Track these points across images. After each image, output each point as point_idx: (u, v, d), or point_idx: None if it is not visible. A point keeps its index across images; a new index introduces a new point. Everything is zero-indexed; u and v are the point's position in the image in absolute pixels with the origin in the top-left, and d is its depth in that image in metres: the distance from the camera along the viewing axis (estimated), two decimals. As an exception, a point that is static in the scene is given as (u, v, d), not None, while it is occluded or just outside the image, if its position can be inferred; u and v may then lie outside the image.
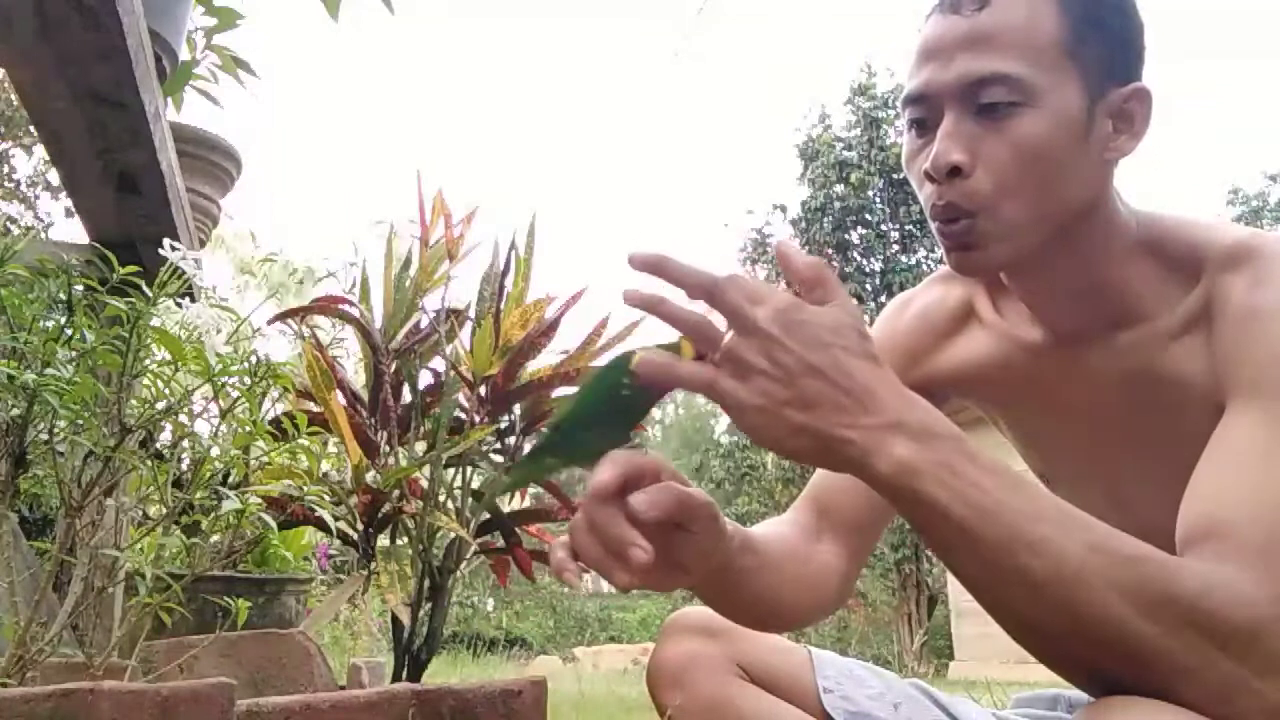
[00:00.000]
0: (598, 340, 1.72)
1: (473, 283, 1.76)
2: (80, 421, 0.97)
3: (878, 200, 12.75)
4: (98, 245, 1.49)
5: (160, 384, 1.02)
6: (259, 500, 1.18)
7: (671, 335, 0.67)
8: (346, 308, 1.70)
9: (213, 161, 2.21)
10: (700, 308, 0.66)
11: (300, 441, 1.12)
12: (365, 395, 1.71)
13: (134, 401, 1.02)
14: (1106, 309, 0.86)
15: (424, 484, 1.63)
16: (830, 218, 12.68)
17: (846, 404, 0.63)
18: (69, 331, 0.96)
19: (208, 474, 1.06)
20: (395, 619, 1.57)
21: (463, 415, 1.69)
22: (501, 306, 1.71)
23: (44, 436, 0.96)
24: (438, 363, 1.74)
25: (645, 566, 0.65)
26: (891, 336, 1.03)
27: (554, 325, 1.69)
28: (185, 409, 1.06)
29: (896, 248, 12.78)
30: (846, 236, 12.77)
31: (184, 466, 1.20)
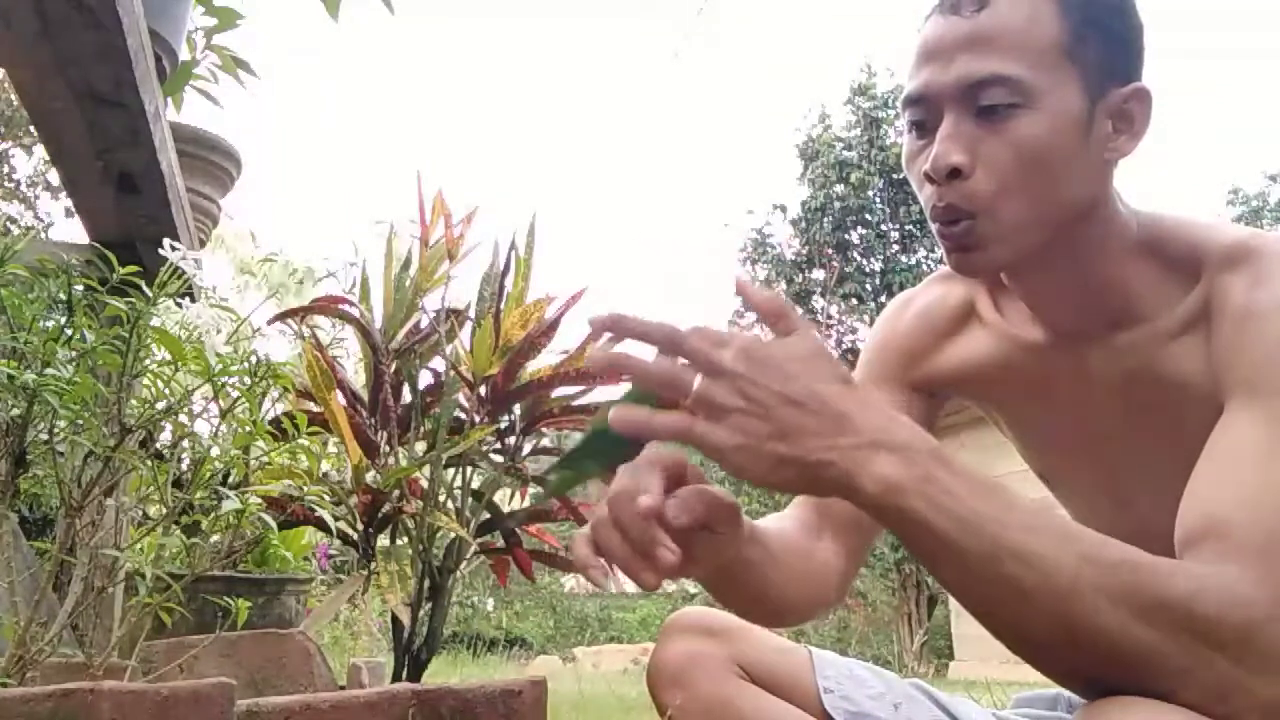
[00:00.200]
0: (597, 340, 1.71)
1: (473, 283, 1.76)
2: (80, 421, 0.97)
3: (878, 200, 12.74)
4: (98, 245, 1.49)
5: (160, 384, 1.02)
6: (259, 500, 1.18)
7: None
8: (346, 308, 1.70)
9: (213, 161, 2.21)
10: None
11: (300, 441, 1.12)
12: (365, 395, 1.71)
13: (134, 401, 1.02)
14: (1106, 309, 0.86)
15: (424, 484, 1.63)
16: (830, 218, 12.67)
17: (824, 428, 0.63)
18: (69, 331, 0.96)
19: (208, 474, 1.06)
20: (395, 619, 1.57)
21: (463, 415, 1.69)
22: (501, 306, 1.71)
23: (44, 436, 0.96)
24: (438, 363, 1.74)
25: (672, 568, 0.66)
26: (892, 336, 1.03)
27: (554, 325, 1.69)
28: (185, 409, 1.06)
29: (896, 248, 12.77)
30: (846, 236, 12.76)
31: (184, 466, 1.20)
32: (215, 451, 1.08)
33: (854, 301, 12.37)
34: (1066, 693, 1.03)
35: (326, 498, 1.41)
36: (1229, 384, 0.76)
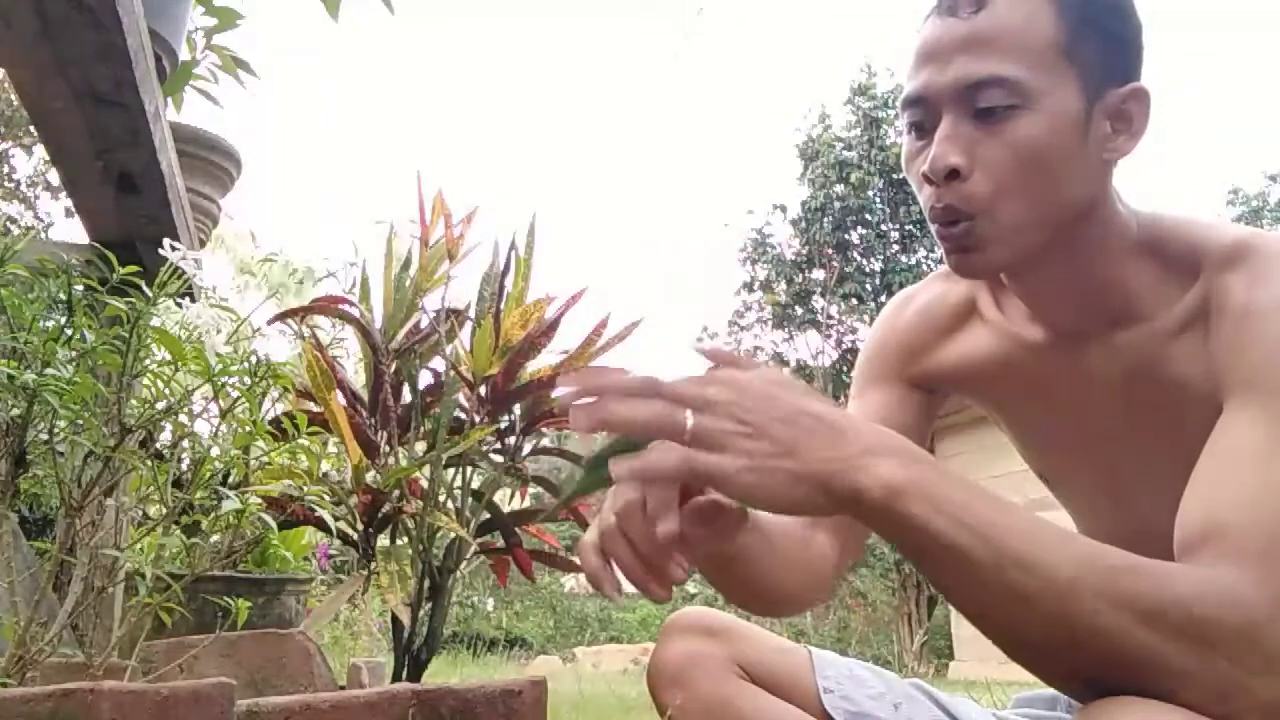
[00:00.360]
0: (598, 340, 1.72)
1: (473, 283, 1.76)
2: (80, 421, 0.97)
3: (878, 200, 12.74)
4: (98, 245, 1.49)
5: (160, 384, 1.02)
6: (259, 500, 1.18)
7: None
8: (346, 308, 1.70)
9: (213, 161, 2.21)
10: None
11: (300, 441, 1.12)
12: (365, 395, 1.71)
13: (134, 401, 1.02)
14: (1106, 309, 0.86)
15: (424, 484, 1.63)
16: (830, 218, 12.67)
17: (824, 438, 0.64)
18: (69, 331, 0.96)
19: (208, 474, 1.06)
20: (395, 619, 1.57)
21: (463, 415, 1.69)
22: (501, 306, 1.71)
23: (44, 436, 0.96)
24: (438, 363, 1.74)
25: (681, 581, 0.67)
26: (891, 332, 1.03)
27: (554, 325, 1.69)
28: (185, 409, 1.06)
29: (896, 248, 12.77)
30: (846, 236, 12.76)
31: (184, 466, 1.19)
32: (215, 451, 1.08)
33: (854, 301, 12.37)
34: (1066, 693, 1.03)
35: (326, 498, 1.41)
36: (1228, 383, 0.76)
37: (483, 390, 1.68)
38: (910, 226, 12.40)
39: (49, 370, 0.91)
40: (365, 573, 1.57)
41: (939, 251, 0.86)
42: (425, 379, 1.74)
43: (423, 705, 0.86)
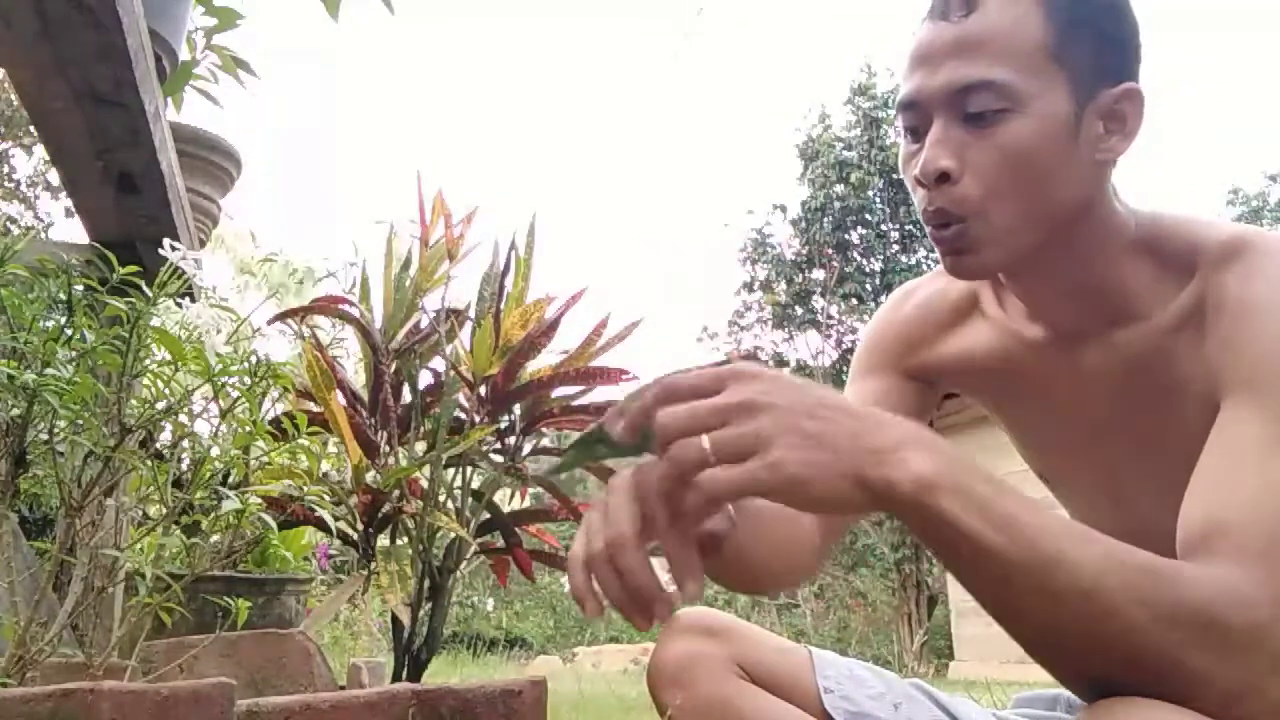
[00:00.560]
0: (598, 340, 1.72)
1: (473, 283, 1.76)
2: (80, 421, 0.97)
3: (878, 200, 12.75)
4: (98, 245, 1.49)
5: (160, 384, 1.02)
6: (259, 500, 1.18)
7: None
8: (346, 308, 1.70)
9: (213, 161, 2.21)
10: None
11: (300, 441, 1.12)
12: (365, 395, 1.71)
13: (134, 401, 1.02)
14: (1104, 308, 0.86)
15: (424, 484, 1.63)
16: (830, 218, 12.68)
17: (852, 432, 0.62)
18: (69, 331, 0.96)
19: (208, 474, 1.06)
20: (395, 619, 1.57)
21: (463, 415, 1.69)
22: (501, 306, 1.71)
23: (44, 436, 0.96)
24: (438, 363, 1.74)
25: (665, 616, 0.65)
26: (890, 325, 1.03)
27: (554, 325, 1.69)
28: (185, 409, 1.06)
29: (896, 248, 12.78)
30: (846, 236, 12.77)
31: (184, 466, 1.20)
32: (215, 451, 1.08)
33: (854, 301, 12.37)
34: (1066, 693, 1.03)
35: (326, 498, 1.41)
36: (1226, 381, 0.76)
37: (483, 390, 1.69)
38: (910, 226, 12.41)
39: (49, 370, 0.91)
40: (365, 573, 1.57)
41: (939, 252, 0.86)
42: (425, 379, 1.74)
43: (423, 705, 0.86)
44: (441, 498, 1.63)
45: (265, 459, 1.21)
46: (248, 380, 1.04)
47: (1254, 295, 0.76)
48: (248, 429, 1.07)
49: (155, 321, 1.04)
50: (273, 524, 1.14)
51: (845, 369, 11.93)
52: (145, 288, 0.98)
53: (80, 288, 0.96)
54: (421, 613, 1.61)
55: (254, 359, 1.05)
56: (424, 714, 0.86)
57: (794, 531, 0.94)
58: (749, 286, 13.51)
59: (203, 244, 2.29)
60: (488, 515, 1.72)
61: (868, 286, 12.44)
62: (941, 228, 0.82)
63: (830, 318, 12.69)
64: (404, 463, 1.64)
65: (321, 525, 1.51)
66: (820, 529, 0.97)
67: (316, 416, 1.56)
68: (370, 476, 1.61)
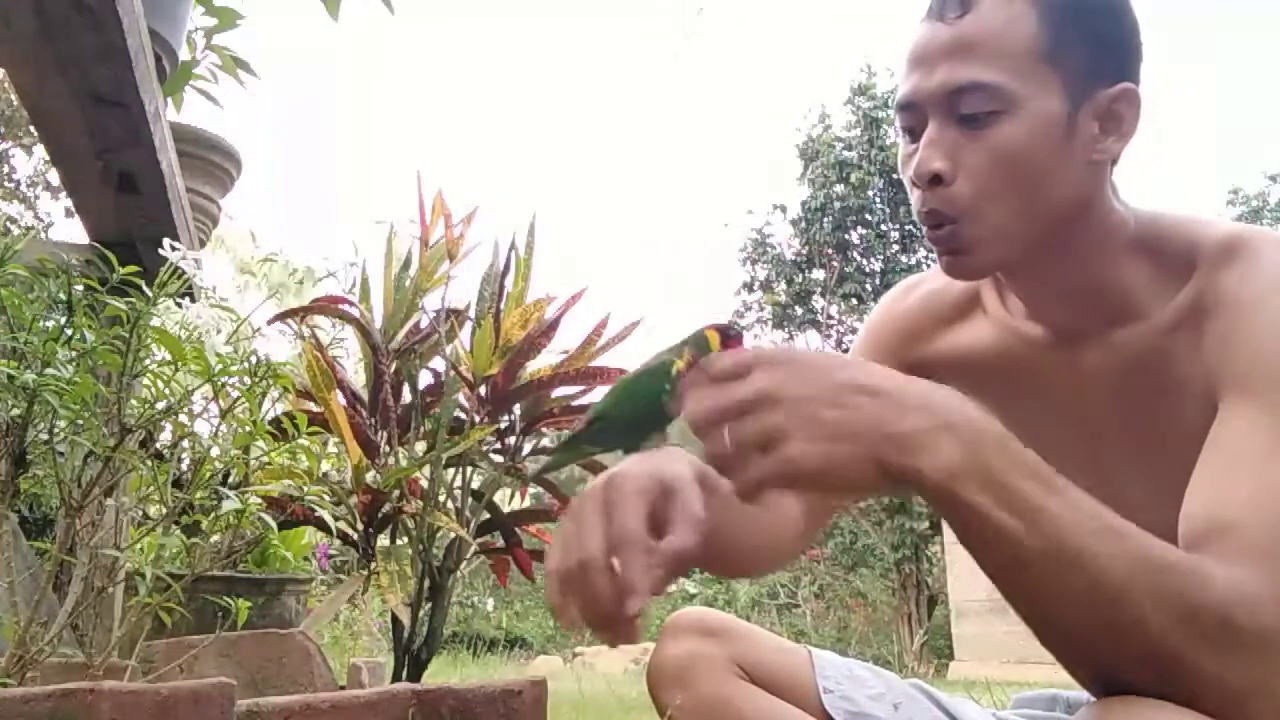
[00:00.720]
0: (598, 340, 1.72)
1: (473, 283, 1.76)
2: (80, 421, 0.97)
3: (878, 200, 12.74)
4: (98, 245, 1.49)
5: (160, 384, 1.02)
6: (259, 500, 1.18)
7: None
8: (346, 308, 1.70)
9: (213, 161, 2.21)
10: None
11: (300, 441, 1.12)
12: (365, 395, 1.71)
13: (134, 401, 1.02)
14: (1103, 307, 0.86)
15: (424, 484, 1.63)
16: (830, 218, 12.67)
17: (876, 415, 0.61)
18: (69, 331, 0.96)
19: (208, 474, 1.06)
20: (395, 619, 1.57)
21: (463, 415, 1.69)
22: (501, 306, 1.71)
23: (44, 436, 0.96)
24: (438, 363, 1.74)
25: (635, 643, 0.66)
26: (891, 316, 1.03)
27: (554, 325, 1.69)
28: (185, 409, 1.06)
29: (896, 248, 12.76)
30: (846, 236, 12.76)
31: (184, 466, 1.20)
32: (215, 451, 1.08)
33: (854, 301, 12.37)
34: (1065, 694, 1.03)
35: (326, 498, 1.41)
36: (1224, 379, 0.76)
37: (483, 390, 1.69)
38: (910, 226, 12.39)
39: (49, 370, 0.91)
40: (365, 573, 1.57)
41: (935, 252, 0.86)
42: (425, 379, 1.74)
43: (423, 705, 0.86)
44: (441, 498, 1.63)
45: (265, 459, 1.21)
46: (248, 380, 1.04)
47: (1252, 294, 0.76)
48: (248, 429, 1.07)
49: (155, 321, 1.04)
50: (273, 524, 1.14)
51: (845, 369, 11.88)
52: (145, 288, 0.98)
53: (80, 288, 0.96)
54: (421, 613, 1.61)
55: (254, 359, 1.05)
56: (424, 714, 0.86)
57: (777, 517, 0.94)
58: (749, 286, 13.49)
59: (203, 244, 2.29)
60: (488, 515, 1.72)
61: (868, 286, 12.43)
62: (936, 228, 0.83)
63: (830, 318, 12.68)
64: (404, 463, 1.64)
65: (321, 525, 1.51)
66: (805, 514, 0.96)
67: (316, 416, 1.56)
68: (370, 476, 1.61)
